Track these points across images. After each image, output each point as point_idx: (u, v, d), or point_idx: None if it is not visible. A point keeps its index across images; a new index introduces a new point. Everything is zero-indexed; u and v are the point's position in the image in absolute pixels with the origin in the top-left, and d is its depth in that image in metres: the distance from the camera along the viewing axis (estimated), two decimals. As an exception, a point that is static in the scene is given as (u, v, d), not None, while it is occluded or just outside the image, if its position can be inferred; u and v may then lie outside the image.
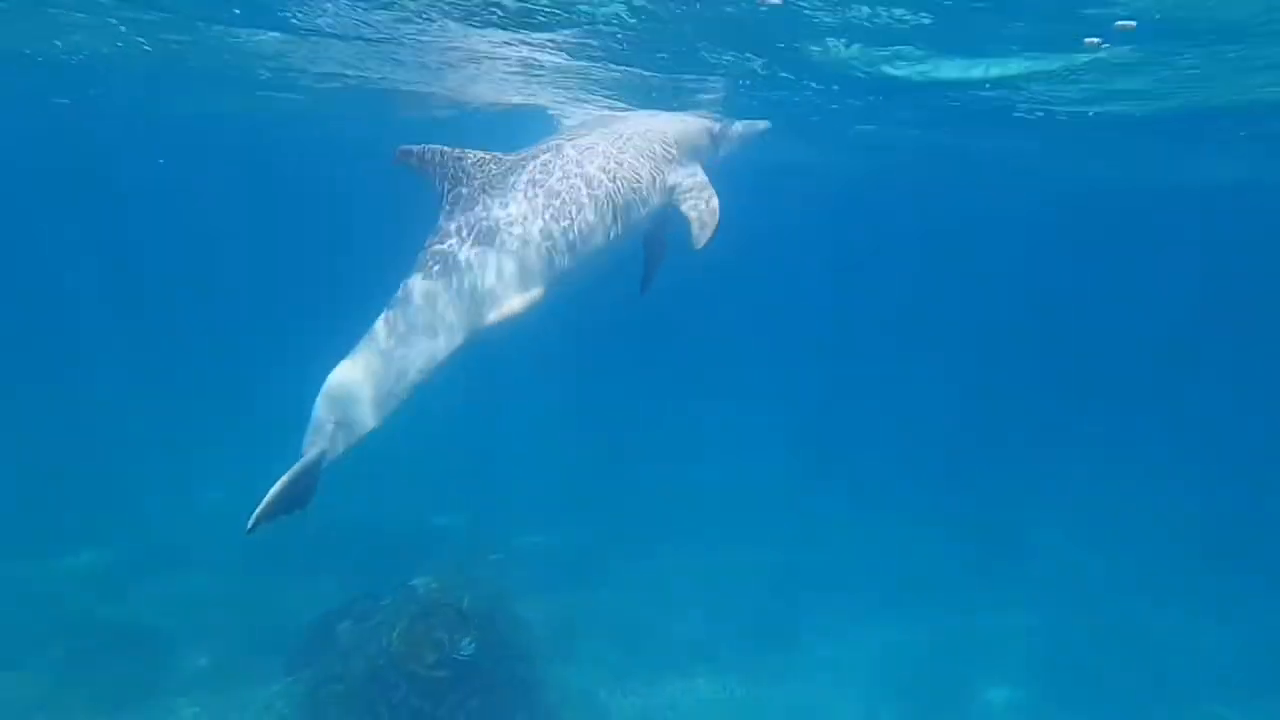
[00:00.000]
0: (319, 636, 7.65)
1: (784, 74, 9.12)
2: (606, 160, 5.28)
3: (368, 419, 4.47)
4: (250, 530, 4.01)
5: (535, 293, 4.88)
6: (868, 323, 29.53)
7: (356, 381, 4.46)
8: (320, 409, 4.42)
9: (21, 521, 11.19)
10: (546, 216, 4.92)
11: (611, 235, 5.20)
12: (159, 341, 20.15)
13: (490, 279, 4.77)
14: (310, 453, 4.32)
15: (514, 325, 4.89)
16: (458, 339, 4.71)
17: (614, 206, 5.18)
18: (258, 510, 4.02)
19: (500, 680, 7.25)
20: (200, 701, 8.27)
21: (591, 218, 5.06)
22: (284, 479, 4.13)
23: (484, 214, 4.91)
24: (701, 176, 5.82)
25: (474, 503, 12.73)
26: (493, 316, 4.77)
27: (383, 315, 4.70)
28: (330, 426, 4.37)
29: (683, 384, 20.99)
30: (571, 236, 4.97)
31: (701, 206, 5.54)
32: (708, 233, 5.44)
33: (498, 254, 4.81)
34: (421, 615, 7.18)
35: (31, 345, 19.83)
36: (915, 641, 10.47)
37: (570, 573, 11.17)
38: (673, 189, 5.63)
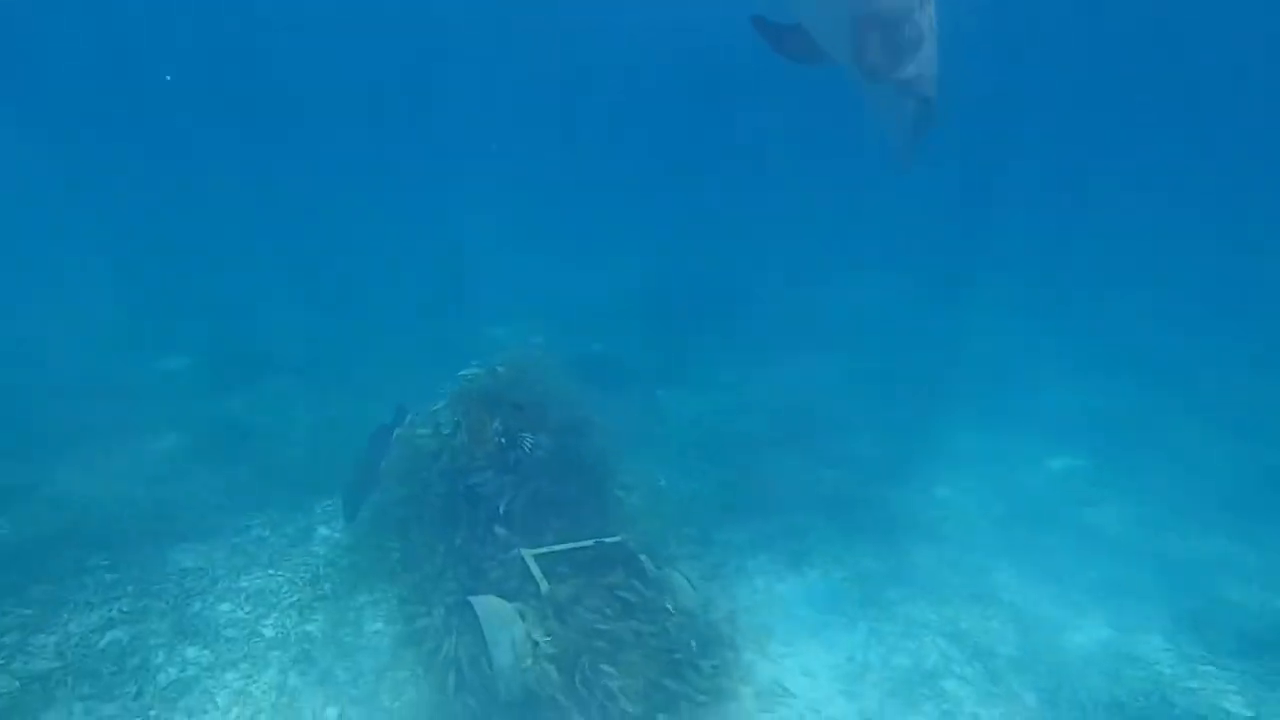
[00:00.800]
0: (390, 427, 8.12)
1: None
2: None
3: None
4: None
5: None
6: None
7: None
8: None
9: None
10: None
11: None
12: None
13: None
14: None
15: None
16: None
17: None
18: None
19: (562, 465, 7.55)
20: (298, 486, 9.19)
21: None
22: None
23: None
24: None
25: (529, 316, 13.13)
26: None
27: None
28: None
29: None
30: None
31: None
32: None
33: None
34: (477, 406, 7.45)
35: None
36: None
37: (625, 369, 11.41)
38: None
